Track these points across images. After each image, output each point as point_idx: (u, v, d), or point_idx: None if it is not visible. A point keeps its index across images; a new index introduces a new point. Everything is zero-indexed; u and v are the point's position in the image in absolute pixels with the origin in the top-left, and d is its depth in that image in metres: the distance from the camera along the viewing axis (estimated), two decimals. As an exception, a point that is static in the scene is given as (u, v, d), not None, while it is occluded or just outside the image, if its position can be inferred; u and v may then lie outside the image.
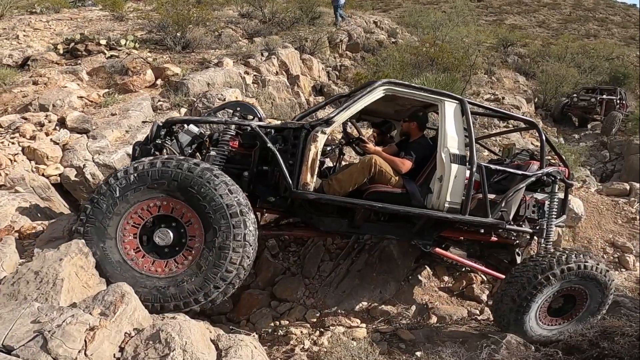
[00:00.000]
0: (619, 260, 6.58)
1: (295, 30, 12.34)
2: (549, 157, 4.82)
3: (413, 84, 4.11)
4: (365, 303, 4.72)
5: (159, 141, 3.76)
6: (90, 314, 2.40)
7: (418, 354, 3.93)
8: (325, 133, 3.68)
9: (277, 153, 3.59)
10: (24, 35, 9.73)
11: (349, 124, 4.42)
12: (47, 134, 5.33)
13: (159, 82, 7.60)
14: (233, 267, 3.07)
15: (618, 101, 15.23)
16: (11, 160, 4.74)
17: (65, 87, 6.75)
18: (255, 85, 8.17)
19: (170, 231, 3.16)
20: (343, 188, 3.90)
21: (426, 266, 5.21)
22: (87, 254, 2.97)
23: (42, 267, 2.66)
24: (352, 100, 3.85)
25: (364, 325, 4.45)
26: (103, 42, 8.97)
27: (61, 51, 8.74)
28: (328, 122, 3.71)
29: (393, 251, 5.05)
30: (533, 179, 4.20)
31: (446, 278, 5.15)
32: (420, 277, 5.11)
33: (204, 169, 3.16)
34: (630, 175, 10.02)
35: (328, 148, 4.28)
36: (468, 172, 3.84)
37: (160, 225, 3.18)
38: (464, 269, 5.18)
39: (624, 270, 6.41)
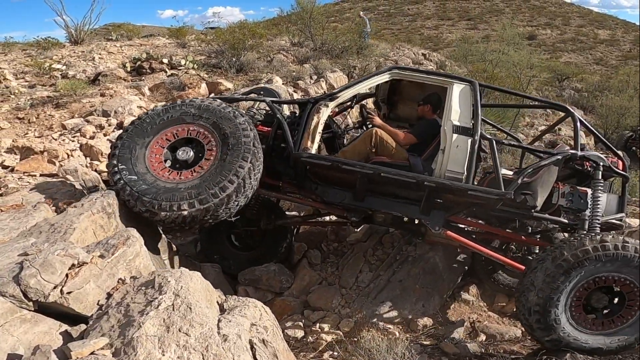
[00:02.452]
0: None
1: (344, 58, 12.60)
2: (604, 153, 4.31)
3: (420, 69, 4.12)
4: (405, 315, 4.45)
5: None
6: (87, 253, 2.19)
7: None
8: (327, 106, 3.94)
9: (283, 120, 3.94)
10: (99, 58, 10.54)
11: (365, 111, 4.62)
12: (105, 135, 5.60)
13: (212, 95, 7.88)
14: (248, 150, 3.51)
15: (689, 135, 14.23)
16: (68, 155, 4.98)
17: (127, 98, 7.13)
18: (303, 102, 8.29)
19: (190, 149, 3.60)
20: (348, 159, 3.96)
21: (475, 285, 4.91)
22: (110, 214, 2.87)
23: (60, 220, 2.57)
24: (357, 80, 4.13)
25: (403, 337, 4.16)
26: (165, 61, 9.55)
27: (129, 69, 9.37)
28: (332, 97, 4.00)
29: (438, 264, 4.78)
30: (559, 157, 3.78)
31: (498, 300, 4.80)
32: (467, 295, 4.82)
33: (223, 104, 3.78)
34: None
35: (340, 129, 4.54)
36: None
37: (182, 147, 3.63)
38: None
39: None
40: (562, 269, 3.31)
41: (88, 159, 5.24)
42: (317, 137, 3.88)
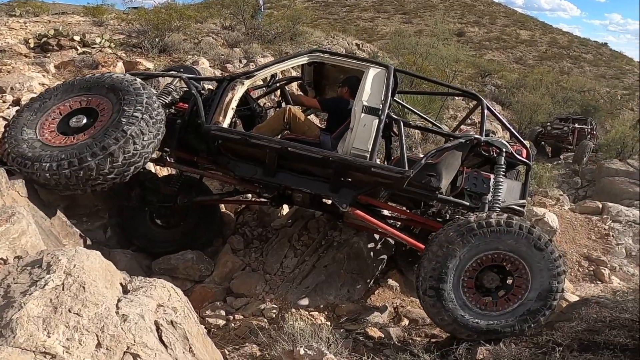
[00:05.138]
0: (595, 273, 6.59)
1: (276, 44, 12.40)
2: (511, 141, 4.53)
3: (340, 53, 4.31)
4: (331, 300, 4.45)
5: None
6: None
7: (386, 351, 3.67)
8: (243, 84, 4.04)
9: (197, 96, 4.00)
10: (-1, 34, 9.45)
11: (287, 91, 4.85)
12: (-2, 113, 5.01)
13: (129, 72, 7.35)
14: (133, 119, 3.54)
15: (589, 131, 15.68)
16: (-48, 133, 4.40)
17: (27, 74, 6.47)
18: (230, 85, 8.02)
19: (84, 117, 3.66)
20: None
21: (398, 271, 5.01)
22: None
23: None
24: (276, 60, 4.35)
25: (328, 322, 4.16)
26: (77, 38, 8.75)
27: (32, 45, 8.45)
28: (248, 75, 4.12)
29: (363, 249, 4.82)
30: (462, 140, 3.94)
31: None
32: (391, 281, 4.92)
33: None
34: (602, 197, 10.14)
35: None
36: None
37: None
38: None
39: (599, 282, 6.40)
40: (447, 246, 3.41)
41: (-25, 137, 4.69)
42: (230, 113, 3.97)
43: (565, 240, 7.32)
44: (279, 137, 4.13)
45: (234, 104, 3.99)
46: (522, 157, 4.18)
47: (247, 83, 4.09)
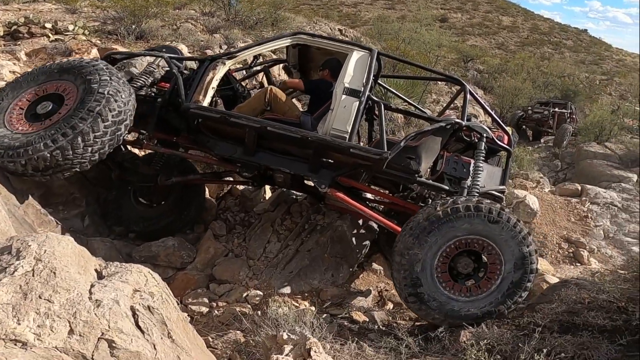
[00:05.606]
0: (574, 255, 6.69)
1: (257, 30, 12.23)
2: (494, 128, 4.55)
3: (324, 35, 4.32)
4: (315, 285, 4.44)
5: None
6: None
7: (371, 335, 3.68)
8: (225, 64, 4.06)
9: (178, 75, 3.98)
10: (-36, 24, 9.08)
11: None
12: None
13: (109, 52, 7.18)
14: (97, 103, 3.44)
15: (569, 115, 15.93)
16: None
17: (-2, 62, 6.26)
18: (211, 71, 7.88)
19: (51, 103, 3.60)
20: None
21: (382, 255, 5.01)
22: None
23: None
24: (259, 42, 4.36)
25: (312, 308, 4.15)
26: (49, 25, 8.48)
27: (1, 33, 8.16)
28: (230, 56, 4.13)
29: (346, 233, 4.80)
30: (442, 124, 3.97)
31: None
32: (375, 264, 4.91)
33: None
34: (581, 180, 10.30)
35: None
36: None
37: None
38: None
39: (579, 264, 6.50)
40: (407, 253, 3.38)
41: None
42: (210, 92, 3.97)
43: (546, 222, 7.42)
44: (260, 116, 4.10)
45: (214, 84, 3.99)
46: (504, 143, 4.21)
47: (229, 63, 4.10)
